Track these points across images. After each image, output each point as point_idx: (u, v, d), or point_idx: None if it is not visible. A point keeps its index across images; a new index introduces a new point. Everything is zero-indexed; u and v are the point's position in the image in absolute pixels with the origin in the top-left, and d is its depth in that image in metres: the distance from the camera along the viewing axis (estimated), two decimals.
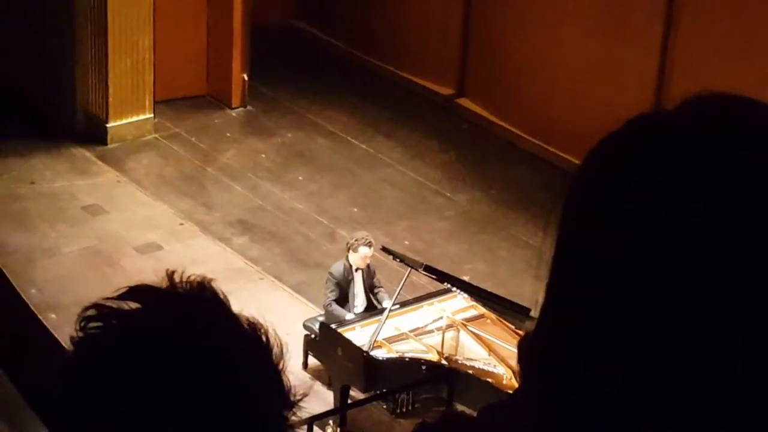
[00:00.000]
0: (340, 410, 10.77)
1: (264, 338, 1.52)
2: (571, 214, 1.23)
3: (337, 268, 11.38)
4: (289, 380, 1.52)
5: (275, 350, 1.52)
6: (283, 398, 1.51)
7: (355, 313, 11.34)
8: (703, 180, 1.15)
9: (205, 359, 1.46)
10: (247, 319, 1.52)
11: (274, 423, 1.50)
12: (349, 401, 10.89)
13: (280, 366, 1.52)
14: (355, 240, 11.45)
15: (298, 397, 1.52)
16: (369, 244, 11.37)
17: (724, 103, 1.23)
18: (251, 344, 1.50)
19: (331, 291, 11.33)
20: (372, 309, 11.36)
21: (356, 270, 11.36)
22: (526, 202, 13.97)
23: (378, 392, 10.85)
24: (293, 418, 1.51)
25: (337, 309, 11.28)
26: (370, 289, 11.48)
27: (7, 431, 8.13)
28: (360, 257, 11.32)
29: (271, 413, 1.50)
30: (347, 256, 11.41)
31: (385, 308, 10.91)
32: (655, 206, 1.16)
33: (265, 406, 1.49)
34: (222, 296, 1.52)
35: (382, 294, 11.41)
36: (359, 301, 11.44)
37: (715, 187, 1.15)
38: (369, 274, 11.47)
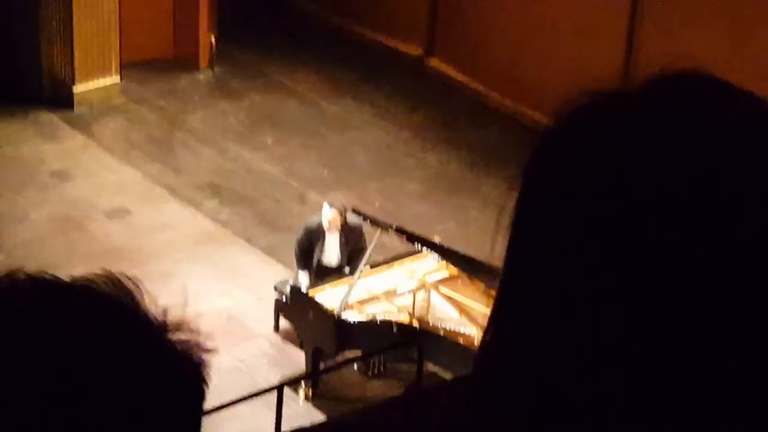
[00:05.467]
0: (312, 374, 10.78)
1: (192, 369, 1.18)
2: (529, 188, 1.20)
3: (309, 223, 11.41)
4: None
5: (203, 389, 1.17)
6: None
7: (325, 264, 11.31)
8: (666, 173, 1.12)
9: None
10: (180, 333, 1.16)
11: None
12: (321, 363, 10.90)
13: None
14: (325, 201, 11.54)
15: None
16: (331, 204, 11.35)
17: (692, 88, 1.19)
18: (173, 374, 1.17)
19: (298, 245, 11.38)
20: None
21: (329, 230, 11.32)
22: (496, 162, 13.95)
23: (352, 358, 10.86)
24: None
25: (297, 273, 11.32)
26: (354, 252, 11.37)
27: None
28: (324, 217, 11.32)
29: None
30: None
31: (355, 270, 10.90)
32: (613, 194, 1.13)
33: None
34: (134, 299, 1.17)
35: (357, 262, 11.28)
36: (331, 259, 11.38)
37: (677, 184, 1.12)
38: (352, 238, 11.37)
